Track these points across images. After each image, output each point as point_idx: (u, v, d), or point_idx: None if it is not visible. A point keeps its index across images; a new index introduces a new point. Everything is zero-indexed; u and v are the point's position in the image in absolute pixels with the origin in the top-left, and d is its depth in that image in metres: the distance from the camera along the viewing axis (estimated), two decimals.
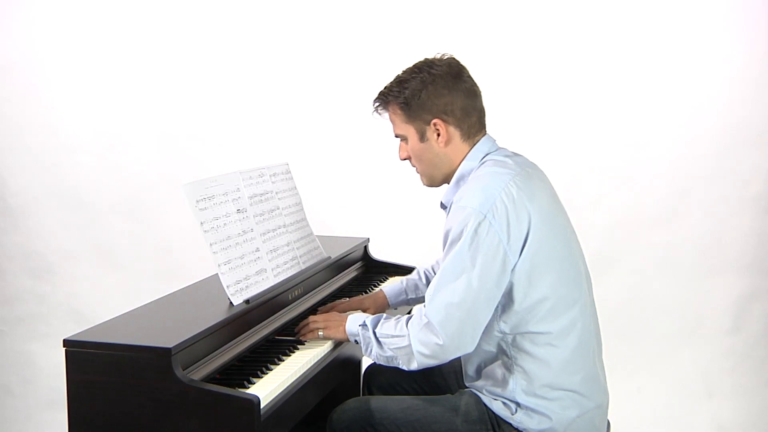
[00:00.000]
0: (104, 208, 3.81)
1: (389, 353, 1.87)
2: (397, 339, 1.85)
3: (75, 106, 3.78)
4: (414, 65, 1.95)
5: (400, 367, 1.88)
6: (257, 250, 2.11)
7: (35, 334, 3.81)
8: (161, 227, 3.79)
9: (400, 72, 1.96)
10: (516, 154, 1.97)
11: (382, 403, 1.98)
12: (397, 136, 1.99)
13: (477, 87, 1.94)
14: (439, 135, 1.90)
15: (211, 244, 1.94)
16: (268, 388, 1.77)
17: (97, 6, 3.72)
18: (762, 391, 3.51)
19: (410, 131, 1.93)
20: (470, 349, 1.82)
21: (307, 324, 2.08)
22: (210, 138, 3.75)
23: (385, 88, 1.96)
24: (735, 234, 3.51)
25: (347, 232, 3.13)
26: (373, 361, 2.22)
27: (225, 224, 2.02)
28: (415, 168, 2.00)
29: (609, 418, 2.04)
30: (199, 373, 1.76)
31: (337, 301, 2.35)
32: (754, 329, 3.53)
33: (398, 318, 1.91)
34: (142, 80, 3.74)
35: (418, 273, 2.43)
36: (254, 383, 1.80)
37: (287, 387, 1.83)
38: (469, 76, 1.94)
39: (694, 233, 3.53)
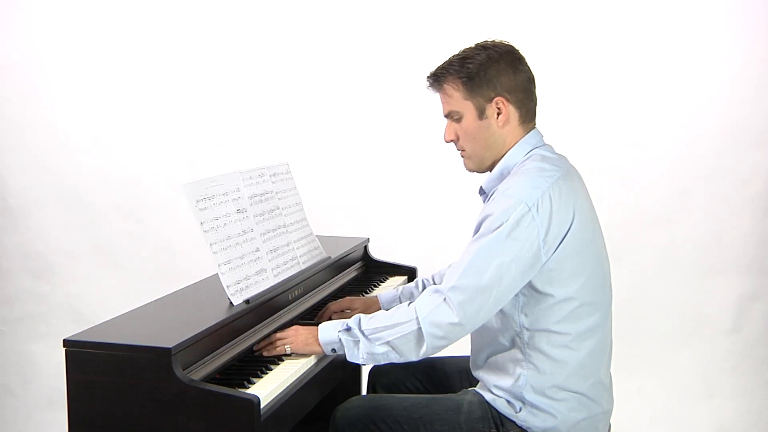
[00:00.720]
0: (104, 208, 3.81)
1: (383, 348, 1.82)
2: (400, 327, 1.81)
3: (75, 106, 3.78)
4: (475, 44, 1.90)
5: (396, 360, 1.83)
6: (257, 250, 2.11)
7: (35, 334, 3.81)
8: (161, 227, 3.79)
9: (457, 51, 1.90)
10: (559, 155, 1.96)
11: (385, 401, 1.98)
12: (447, 115, 1.92)
13: (533, 75, 1.92)
14: (499, 114, 1.86)
15: (211, 244, 1.94)
16: (268, 388, 1.77)
17: (97, 6, 3.72)
18: (762, 391, 3.51)
19: (468, 108, 1.87)
20: (479, 326, 1.82)
21: (272, 341, 1.98)
22: (210, 138, 3.75)
23: (444, 63, 1.90)
24: (735, 234, 3.51)
25: (347, 232, 3.13)
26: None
27: (225, 224, 2.02)
28: (461, 151, 1.94)
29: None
30: (199, 373, 1.76)
31: (329, 304, 2.32)
32: (754, 329, 3.53)
33: (393, 309, 1.88)
34: (142, 80, 3.74)
35: (416, 282, 2.39)
36: (254, 383, 1.80)
37: (287, 387, 1.83)
38: (527, 64, 1.91)
39: (694, 233, 3.53)
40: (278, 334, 1.99)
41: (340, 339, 1.88)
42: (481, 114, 1.87)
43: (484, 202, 1.95)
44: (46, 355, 3.74)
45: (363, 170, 3.69)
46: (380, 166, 3.68)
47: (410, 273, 2.81)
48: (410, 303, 1.85)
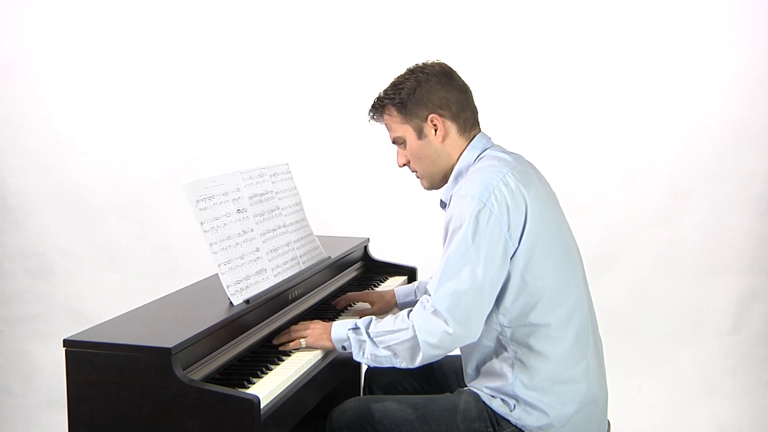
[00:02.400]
0: (104, 208, 3.81)
1: (386, 352, 1.87)
2: (399, 333, 1.85)
3: (75, 106, 3.78)
4: (407, 69, 2.01)
5: (399, 365, 1.87)
6: (257, 250, 2.11)
7: (35, 334, 3.81)
8: (161, 227, 3.79)
9: (393, 78, 2.02)
10: (513, 153, 2.00)
11: (381, 403, 1.98)
12: (394, 142, 2.02)
13: (468, 86, 2.00)
14: (436, 130, 1.95)
15: (211, 244, 1.95)
16: (268, 388, 1.77)
17: (97, 6, 3.72)
18: (762, 391, 3.51)
19: (408, 131, 1.97)
20: (476, 336, 1.83)
21: (289, 333, 2.05)
22: (210, 138, 3.75)
23: (380, 94, 2.01)
24: (735, 234, 3.51)
25: (347, 232, 3.13)
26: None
27: (225, 224, 2.02)
28: (415, 173, 2.03)
29: (609, 418, 2.04)
30: (199, 373, 1.76)
31: (347, 294, 2.41)
32: (754, 329, 3.53)
33: (395, 315, 1.91)
34: (142, 80, 3.74)
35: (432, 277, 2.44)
36: (254, 383, 1.80)
37: (287, 387, 1.83)
38: (460, 77, 2.00)
39: (694, 233, 3.53)
40: (295, 327, 2.06)
41: (348, 337, 1.93)
42: (420, 134, 1.96)
43: (446, 210, 1.98)
44: (46, 355, 3.74)
45: (363, 170, 3.69)
46: (380, 166, 3.67)
47: (410, 273, 2.81)
48: (410, 312, 1.89)
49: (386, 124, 2.02)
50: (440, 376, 2.24)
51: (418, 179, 2.04)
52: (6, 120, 3.79)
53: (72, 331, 1.87)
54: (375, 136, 3.66)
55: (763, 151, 3.44)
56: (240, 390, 1.72)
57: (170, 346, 1.67)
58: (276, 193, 2.31)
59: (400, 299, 2.41)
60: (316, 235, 2.48)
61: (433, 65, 1.98)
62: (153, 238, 3.80)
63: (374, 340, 1.88)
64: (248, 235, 2.10)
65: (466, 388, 2.00)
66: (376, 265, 2.83)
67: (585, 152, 3.54)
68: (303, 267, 2.30)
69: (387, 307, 2.38)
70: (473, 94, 2.02)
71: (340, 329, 1.96)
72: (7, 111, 3.78)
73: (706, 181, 3.49)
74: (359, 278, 2.75)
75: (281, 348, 2.02)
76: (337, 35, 3.63)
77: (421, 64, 2.00)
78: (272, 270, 2.15)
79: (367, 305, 2.39)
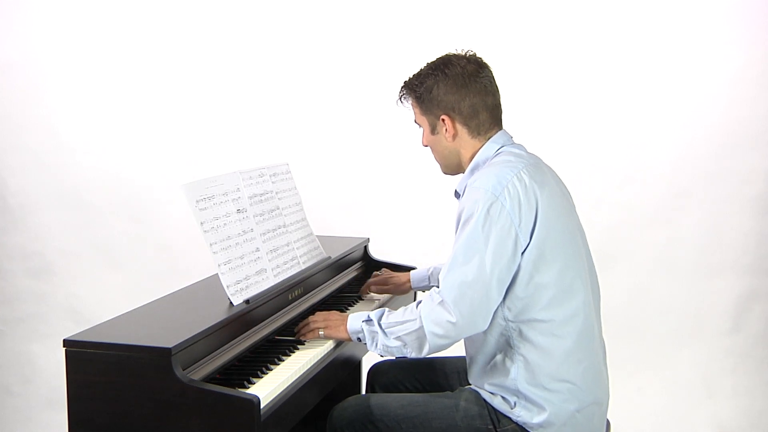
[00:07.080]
0: (104, 208, 3.81)
1: (396, 342, 1.90)
2: (407, 324, 1.88)
3: (75, 106, 3.79)
4: (434, 61, 2.01)
5: (409, 355, 1.90)
6: (257, 250, 2.11)
7: (35, 334, 3.81)
8: (161, 227, 3.79)
9: (423, 65, 2.03)
10: (531, 153, 2.02)
11: (382, 400, 1.99)
12: (416, 122, 2.07)
13: (493, 85, 1.99)
14: (447, 130, 1.97)
15: (211, 244, 1.95)
16: (268, 388, 1.77)
17: (97, 6, 3.72)
18: (762, 391, 3.51)
19: (424, 122, 2.02)
20: (482, 328, 1.85)
21: (307, 324, 2.09)
22: (210, 138, 3.75)
23: (408, 80, 2.04)
24: (735, 234, 3.51)
25: (347, 232, 3.13)
26: (378, 359, 2.25)
27: (225, 224, 2.02)
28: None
29: (609, 417, 2.04)
30: (199, 373, 1.76)
31: (369, 281, 2.54)
32: (754, 329, 3.53)
33: (405, 307, 1.94)
34: (142, 80, 3.75)
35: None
36: (254, 383, 1.80)
37: (287, 387, 1.83)
38: (487, 75, 1.99)
39: (694, 233, 3.53)
40: (313, 318, 2.09)
41: (362, 329, 1.98)
42: (433, 129, 2.01)
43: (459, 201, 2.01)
44: (46, 355, 3.74)
45: (363, 170, 3.69)
46: (380, 166, 3.68)
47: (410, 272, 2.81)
48: (419, 302, 1.92)
49: (411, 108, 2.06)
50: (442, 377, 2.24)
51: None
52: (6, 120, 3.79)
53: (72, 331, 1.87)
54: (375, 135, 3.68)
55: (763, 151, 3.44)
56: (240, 390, 1.72)
57: (170, 346, 1.67)
58: (276, 193, 2.31)
59: (414, 283, 2.49)
60: (316, 235, 2.48)
61: (457, 63, 1.97)
62: (153, 238, 3.80)
63: (385, 331, 1.92)
64: (248, 235, 2.10)
65: (467, 387, 2.01)
66: (376, 265, 2.83)
67: (585, 152, 3.54)
68: (303, 267, 2.30)
69: (402, 292, 2.49)
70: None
71: (355, 321, 2.00)
72: (7, 111, 3.79)
73: (706, 181, 3.50)
74: (359, 278, 2.74)
75: (301, 338, 2.07)
76: (336, 35, 3.63)
77: (448, 57, 1.99)
78: (272, 270, 2.15)
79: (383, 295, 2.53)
